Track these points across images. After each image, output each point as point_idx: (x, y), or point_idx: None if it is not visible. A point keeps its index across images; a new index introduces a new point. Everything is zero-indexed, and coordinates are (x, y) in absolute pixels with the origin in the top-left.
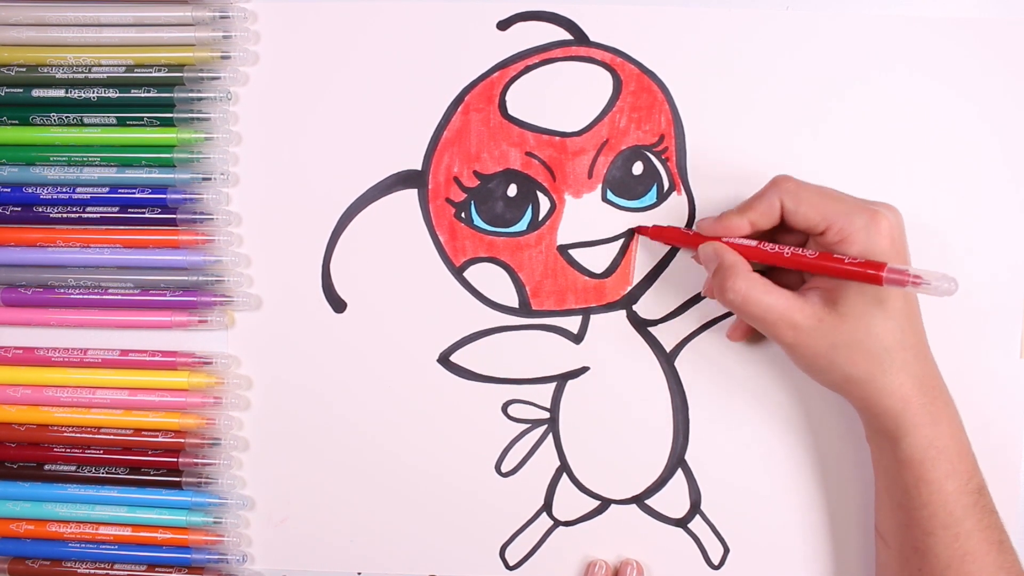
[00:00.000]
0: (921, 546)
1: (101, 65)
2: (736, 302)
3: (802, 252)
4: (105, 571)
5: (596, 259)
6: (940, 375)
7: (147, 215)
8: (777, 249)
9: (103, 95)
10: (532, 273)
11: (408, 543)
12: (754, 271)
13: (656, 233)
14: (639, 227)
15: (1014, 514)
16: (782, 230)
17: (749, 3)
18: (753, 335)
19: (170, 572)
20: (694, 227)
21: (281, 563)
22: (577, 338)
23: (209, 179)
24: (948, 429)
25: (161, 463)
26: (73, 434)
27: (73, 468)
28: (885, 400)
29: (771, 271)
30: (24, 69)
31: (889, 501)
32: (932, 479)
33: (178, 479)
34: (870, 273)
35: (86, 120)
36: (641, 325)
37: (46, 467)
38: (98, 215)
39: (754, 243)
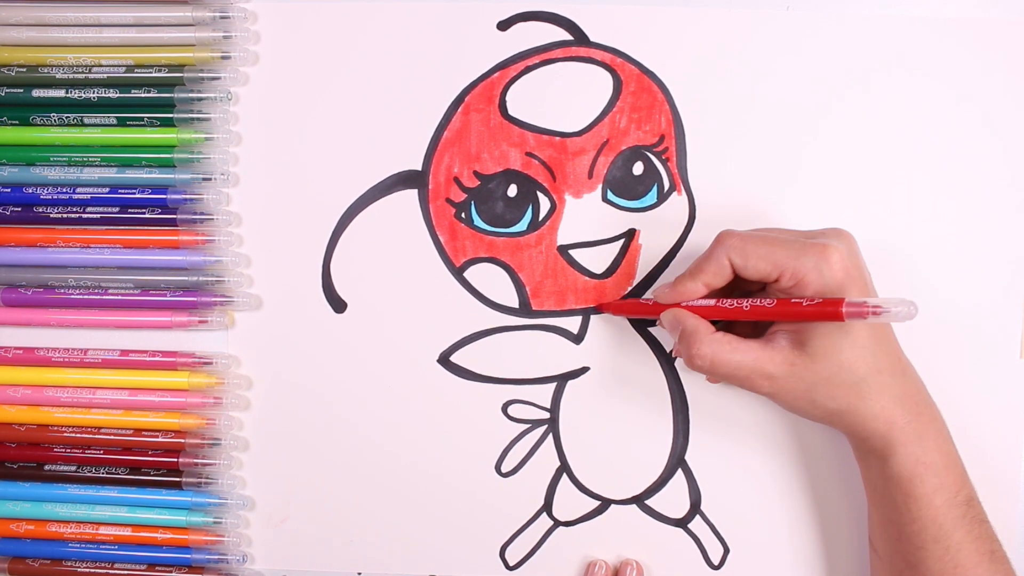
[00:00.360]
0: (913, 560)
1: (101, 65)
2: (704, 367)
3: (760, 303)
4: (105, 571)
5: (596, 259)
6: (923, 389)
7: (147, 215)
8: (736, 305)
9: (103, 95)
10: (532, 273)
11: (408, 543)
12: (718, 329)
13: (617, 307)
14: (599, 304)
15: (1014, 514)
16: (739, 282)
17: (749, 3)
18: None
19: (170, 572)
20: (652, 295)
21: (281, 563)
22: (577, 338)
23: (209, 179)
24: (934, 444)
25: (161, 463)
26: (73, 434)
27: (73, 468)
28: (870, 424)
29: (735, 323)
30: (24, 69)
31: (880, 517)
32: (920, 494)
33: (178, 479)
34: (829, 311)
35: (86, 120)
36: (641, 325)
37: (46, 467)
38: (98, 215)
39: (712, 302)
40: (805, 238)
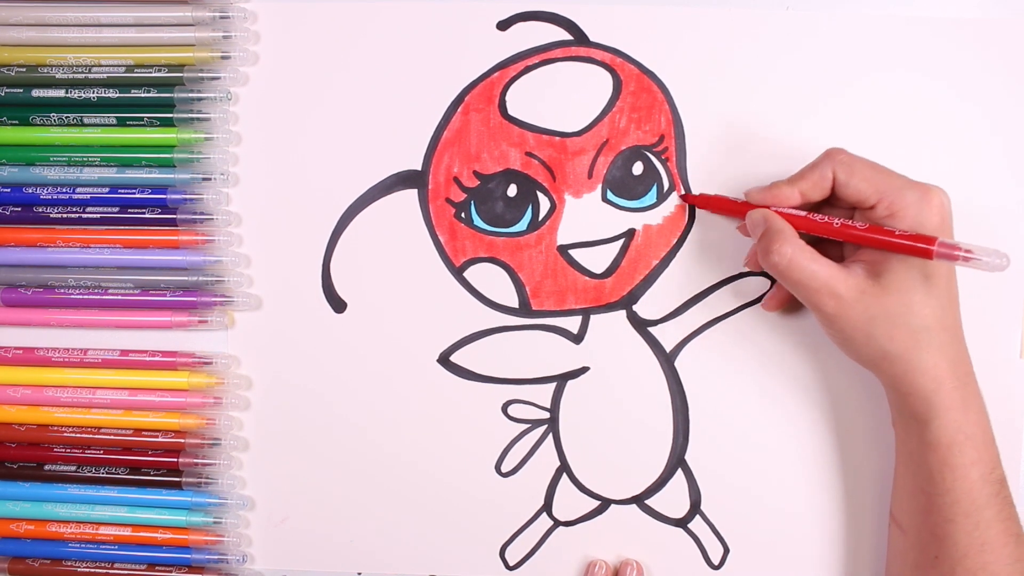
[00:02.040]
0: (940, 532)
1: (101, 65)
2: (781, 265)
3: (852, 224)
4: (105, 571)
5: (596, 259)
6: (971, 362)
7: (147, 215)
8: (827, 220)
9: (103, 95)
10: (532, 273)
11: (408, 543)
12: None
13: (703, 201)
14: (685, 194)
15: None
16: (827, 204)
17: (749, 3)
18: (788, 306)
19: (170, 572)
20: (743, 196)
21: (281, 563)
22: (577, 338)
23: (209, 179)
24: (976, 416)
25: (161, 463)
26: (73, 434)
27: (73, 468)
28: (919, 379)
29: (816, 245)
30: (24, 69)
31: (911, 486)
32: (958, 464)
33: (178, 479)
34: (920, 247)
35: (86, 120)
36: (641, 325)
37: (46, 467)
38: (98, 215)
39: (803, 213)
40: (910, 179)
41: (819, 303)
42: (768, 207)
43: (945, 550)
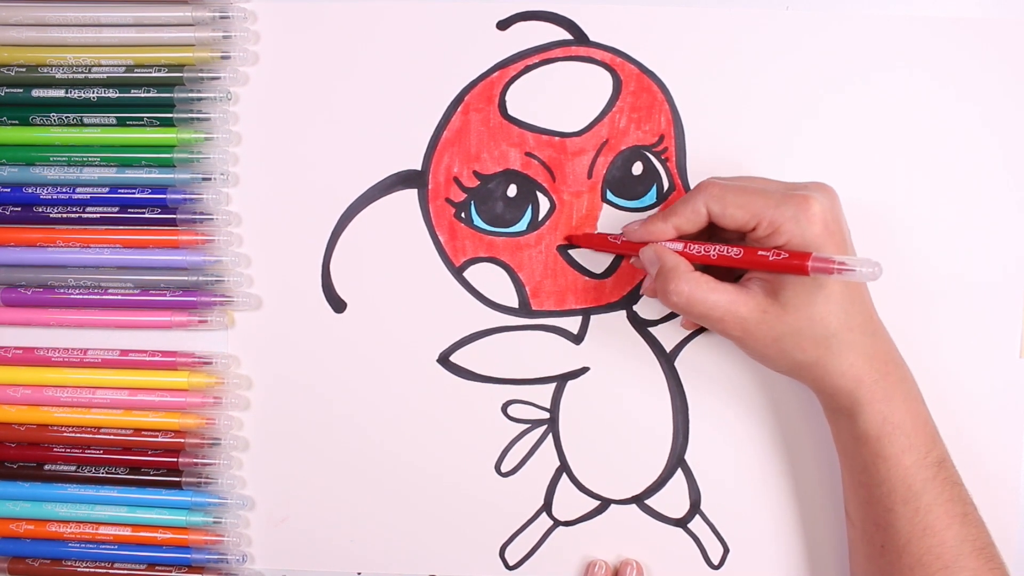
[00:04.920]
0: (882, 522)
1: (101, 65)
2: (680, 304)
3: (727, 252)
4: (105, 571)
5: (596, 259)
6: (894, 349)
7: (147, 215)
8: (703, 251)
9: (103, 95)
10: (532, 273)
11: (408, 543)
12: (695, 269)
13: (585, 240)
14: (568, 235)
15: (1014, 514)
16: (718, 228)
17: (749, 3)
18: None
19: (170, 572)
20: (621, 232)
21: (281, 563)
22: (577, 338)
23: (209, 179)
24: (903, 403)
25: (161, 463)
26: (73, 434)
27: (73, 468)
28: (837, 380)
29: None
30: (24, 69)
31: (850, 479)
32: (889, 455)
33: (178, 479)
34: (795, 264)
35: (86, 120)
36: (641, 325)
37: (46, 467)
38: (98, 215)
39: (680, 246)
40: (788, 189)
41: (726, 328)
42: (646, 242)
43: (889, 539)
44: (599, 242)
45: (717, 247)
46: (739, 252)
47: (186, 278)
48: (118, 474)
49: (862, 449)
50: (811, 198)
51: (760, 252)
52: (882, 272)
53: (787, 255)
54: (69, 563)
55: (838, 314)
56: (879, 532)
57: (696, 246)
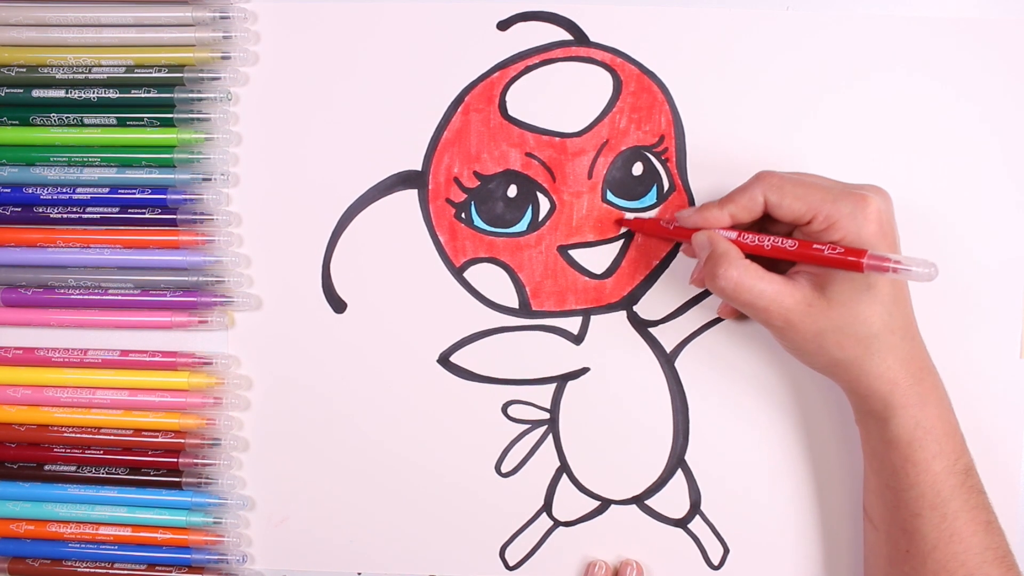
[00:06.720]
0: (909, 527)
1: (101, 65)
2: (728, 288)
3: (782, 243)
4: (105, 571)
5: (596, 260)
6: (928, 356)
7: (147, 215)
8: (757, 241)
9: (103, 95)
10: (532, 273)
11: (408, 543)
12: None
13: (637, 225)
14: (621, 219)
15: (1014, 514)
16: (769, 220)
17: (749, 3)
18: (741, 313)
19: (170, 572)
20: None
21: (281, 563)
22: (577, 339)
23: (209, 179)
24: (936, 410)
25: (161, 463)
26: (73, 434)
27: (73, 468)
28: (873, 382)
29: (760, 257)
30: (24, 69)
31: (877, 482)
32: (919, 460)
33: (178, 479)
34: (851, 260)
35: (86, 120)
36: (641, 326)
37: (46, 467)
38: (98, 215)
39: (734, 235)
40: (845, 187)
41: (768, 319)
42: (700, 229)
43: (915, 544)
44: (652, 227)
45: (771, 238)
46: (794, 244)
47: (186, 278)
48: (118, 474)
49: (892, 453)
50: (869, 197)
51: (816, 246)
52: (938, 273)
53: (843, 250)
54: (69, 563)
55: (882, 315)
56: (904, 537)
57: (750, 236)
